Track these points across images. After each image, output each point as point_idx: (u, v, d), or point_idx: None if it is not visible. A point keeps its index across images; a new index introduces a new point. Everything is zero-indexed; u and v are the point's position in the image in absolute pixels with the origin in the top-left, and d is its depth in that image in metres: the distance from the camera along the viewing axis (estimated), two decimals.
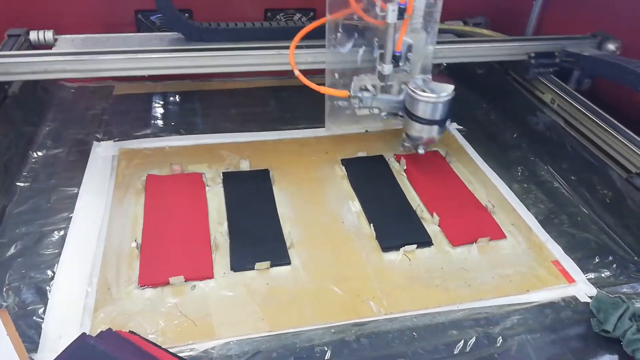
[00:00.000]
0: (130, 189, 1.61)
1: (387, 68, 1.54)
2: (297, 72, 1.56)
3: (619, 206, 1.54)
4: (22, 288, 1.28)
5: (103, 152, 1.77)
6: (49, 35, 1.90)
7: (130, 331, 1.09)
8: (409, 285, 1.34)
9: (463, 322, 1.24)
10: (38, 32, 1.89)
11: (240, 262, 1.36)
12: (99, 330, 1.15)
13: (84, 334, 0.97)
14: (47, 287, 1.28)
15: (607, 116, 1.62)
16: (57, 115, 1.99)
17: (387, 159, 1.81)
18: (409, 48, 1.55)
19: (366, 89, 1.59)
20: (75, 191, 1.59)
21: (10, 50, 1.74)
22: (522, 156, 1.90)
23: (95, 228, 1.45)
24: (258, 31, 1.80)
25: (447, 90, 1.47)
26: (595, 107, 1.67)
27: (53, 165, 1.72)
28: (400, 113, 1.60)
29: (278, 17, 2.13)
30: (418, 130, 1.55)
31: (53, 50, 1.75)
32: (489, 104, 2.22)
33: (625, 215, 1.52)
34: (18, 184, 1.61)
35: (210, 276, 1.32)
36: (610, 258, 1.45)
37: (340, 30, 1.54)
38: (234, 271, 1.34)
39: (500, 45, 1.92)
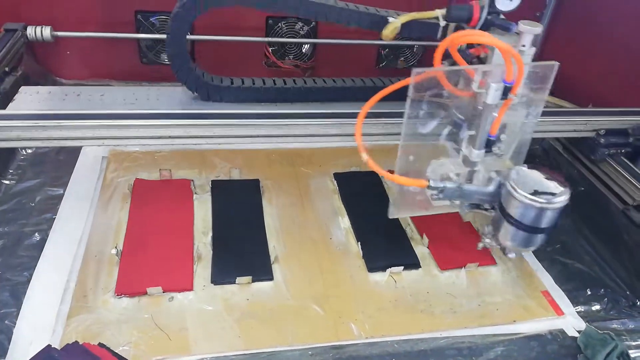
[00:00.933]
0: (117, 192, 1.58)
1: (477, 154, 1.23)
2: (365, 158, 1.21)
3: (613, 238, 1.50)
4: None
5: (93, 153, 1.75)
6: (46, 31, 1.89)
7: (100, 343, 1.05)
8: (392, 308, 1.31)
9: (445, 351, 1.20)
10: (35, 28, 1.88)
11: (222, 275, 1.33)
12: (70, 339, 1.12)
13: (48, 346, 0.93)
14: (23, 291, 1.25)
15: None
16: None
17: (380, 175, 1.78)
18: (503, 128, 1.25)
19: (448, 178, 1.28)
20: (61, 192, 1.57)
21: (5, 45, 1.72)
22: None
23: (77, 232, 1.43)
24: (287, 91, 1.61)
25: (559, 192, 1.12)
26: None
27: (41, 163, 1.69)
28: (487, 206, 1.29)
29: (280, 25, 2.11)
30: (513, 235, 1.19)
31: (5, 111, 1.48)
32: None
33: (619, 248, 1.48)
34: (4, 181, 1.59)
35: (189, 288, 1.29)
36: (602, 291, 1.42)
37: (424, 107, 1.20)
38: (215, 284, 1.31)
39: (562, 120, 1.62)
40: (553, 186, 1.13)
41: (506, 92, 1.12)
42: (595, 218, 1.58)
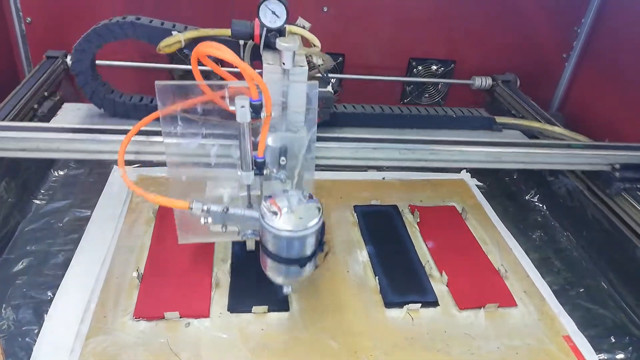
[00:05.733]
0: (142, 216, 1.62)
1: (247, 177, 1.16)
2: (122, 173, 1.19)
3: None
4: (20, 307, 1.29)
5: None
6: None
7: None
8: (409, 346, 1.29)
9: None
10: None
11: (238, 303, 1.34)
12: (87, 359, 1.14)
13: None
14: (45, 309, 1.28)
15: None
16: None
17: (400, 210, 1.78)
18: (283, 151, 1.19)
19: (217, 200, 1.21)
20: (89, 214, 1.61)
21: (45, 72, 1.81)
22: (541, 220, 1.85)
23: (101, 253, 1.46)
24: None
25: (310, 219, 1.07)
26: None
27: (71, 185, 1.76)
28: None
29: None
30: (269, 266, 1.17)
31: (49, 125, 1.60)
32: None
33: None
34: (35, 201, 1.65)
35: (205, 315, 1.30)
36: (627, 339, 1.37)
37: (179, 122, 1.14)
38: (231, 312, 1.32)
39: (577, 153, 1.61)
40: (311, 211, 1.09)
41: (257, 110, 1.06)
42: (620, 262, 1.54)
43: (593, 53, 2.16)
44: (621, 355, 1.33)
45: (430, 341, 1.30)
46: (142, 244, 1.51)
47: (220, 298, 1.36)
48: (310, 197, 1.13)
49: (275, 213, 1.07)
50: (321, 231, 1.12)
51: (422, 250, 1.62)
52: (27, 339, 1.21)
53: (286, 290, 1.26)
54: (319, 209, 1.11)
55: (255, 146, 1.14)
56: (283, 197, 1.11)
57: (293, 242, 1.09)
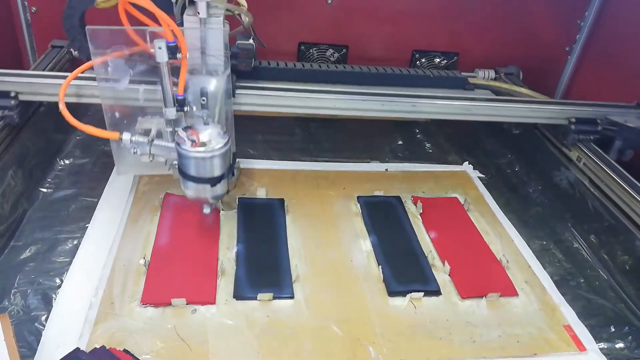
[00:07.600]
0: (148, 205, 1.63)
1: (170, 112, 1.32)
2: (61, 107, 1.29)
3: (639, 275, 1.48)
4: (29, 293, 1.30)
5: None
6: None
7: (124, 350, 1.09)
8: (411, 334, 1.31)
9: None
10: None
11: (244, 290, 1.36)
12: (96, 345, 1.16)
13: (77, 349, 0.97)
14: (53, 295, 1.30)
15: (634, 180, 1.58)
16: None
17: (403, 201, 1.80)
18: (204, 92, 1.36)
19: (146, 133, 1.34)
20: (95, 202, 1.63)
21: (51, 62, 1.82)
22: (543, 212, 1.86)
23: (108, 241, 1.48)
24: None
25: (218, 143, 1.27)
26: (622, 170, 1.63)
27: (77, 174, 1.77)
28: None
29: (311, 51, 2.17)
30: (185, 186, 1.35)
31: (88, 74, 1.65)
32: (513, 154, 2.19)
33: None
34: (41, 189, 1.67)
35: (212, 302, 1.32)
36: (627, 329, 1.39)
37: (109, 64, 1.32)
38: (236, 299, 1.34)
39: (538, 107, 1.85)
40: (219, 139, 1.29)
41: (173, 51, 1.22)
42: (620, 253, 1.56)
43: (596, 46, 2.17)
44: (621, 345, 1.35)
45: (433, 329, 1.33)
46: (149, 232, 1.52)
47: (226, 285, 1.37)
48: (225, 133, 1.32)
49: (193, 141, 1.26)
50: (228, 158, 1.33)
51: (425, 240, 1.64)
52: (36, 324, 1.22)
53: (206, 210, 1.45)
54: (228, 139, 1.30)
55: (176, 85, 1.30)
56: (200, 129, 1.30)
57: (200, 162, 1.28)
